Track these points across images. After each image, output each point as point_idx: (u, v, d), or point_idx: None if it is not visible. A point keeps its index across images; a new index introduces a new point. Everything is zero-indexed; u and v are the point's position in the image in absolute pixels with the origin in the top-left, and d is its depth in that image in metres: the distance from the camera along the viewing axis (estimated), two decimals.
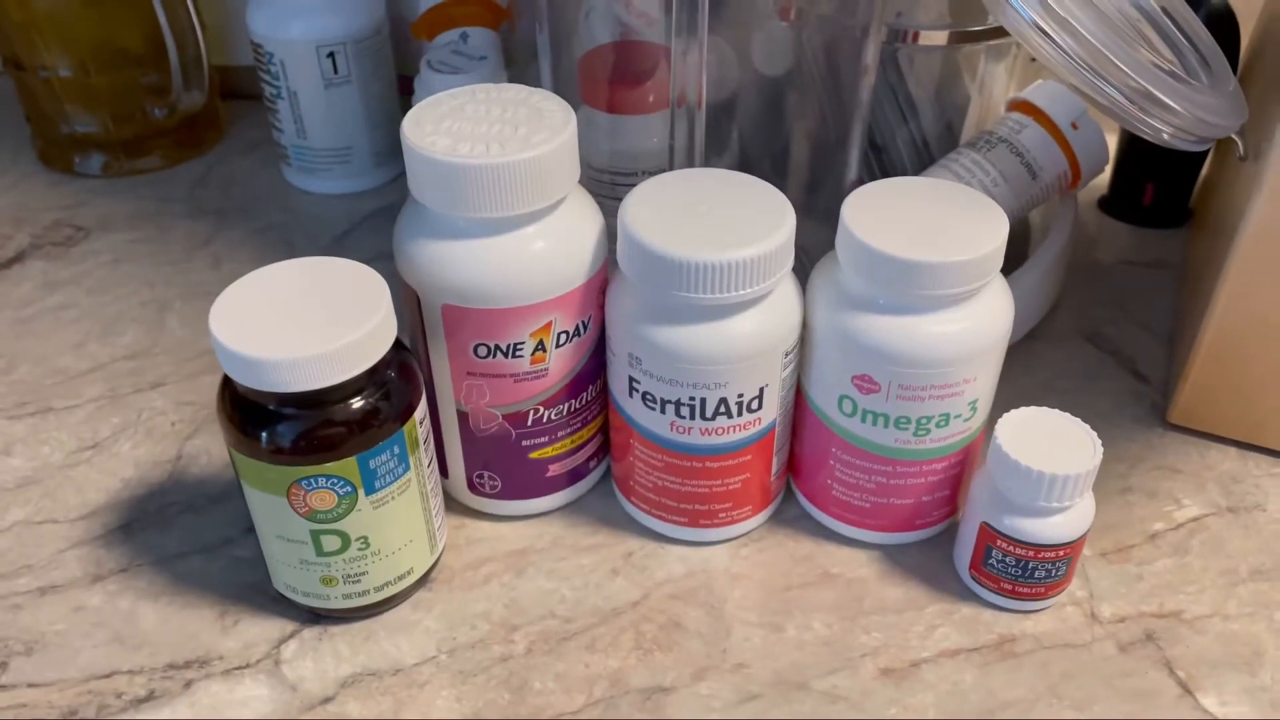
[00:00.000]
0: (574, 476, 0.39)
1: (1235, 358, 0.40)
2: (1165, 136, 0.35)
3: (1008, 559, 0.34)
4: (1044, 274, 0.46)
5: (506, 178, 0.31)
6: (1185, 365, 0.41)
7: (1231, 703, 0.33)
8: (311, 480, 0.31)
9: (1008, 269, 0.45)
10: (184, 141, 0.60)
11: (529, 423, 0.36)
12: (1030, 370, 0.46)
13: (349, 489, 0.32)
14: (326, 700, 0.33)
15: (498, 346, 0.34)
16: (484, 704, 0.33)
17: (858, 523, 0.38)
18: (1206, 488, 0.40)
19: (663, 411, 0.35)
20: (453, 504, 0.39)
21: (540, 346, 0.34)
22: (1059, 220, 0.48)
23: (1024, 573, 0.34)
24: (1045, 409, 0.35)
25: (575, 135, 0.33)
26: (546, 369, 0.35)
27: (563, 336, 0.34)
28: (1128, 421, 0.43)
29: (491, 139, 0.32)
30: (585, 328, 0.35)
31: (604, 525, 0.39)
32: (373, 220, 0.56)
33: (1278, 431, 0.41)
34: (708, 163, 0.40)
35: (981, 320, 0.33)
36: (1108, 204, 0.56)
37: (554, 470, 0.38)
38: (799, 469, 0.39)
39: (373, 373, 0.31)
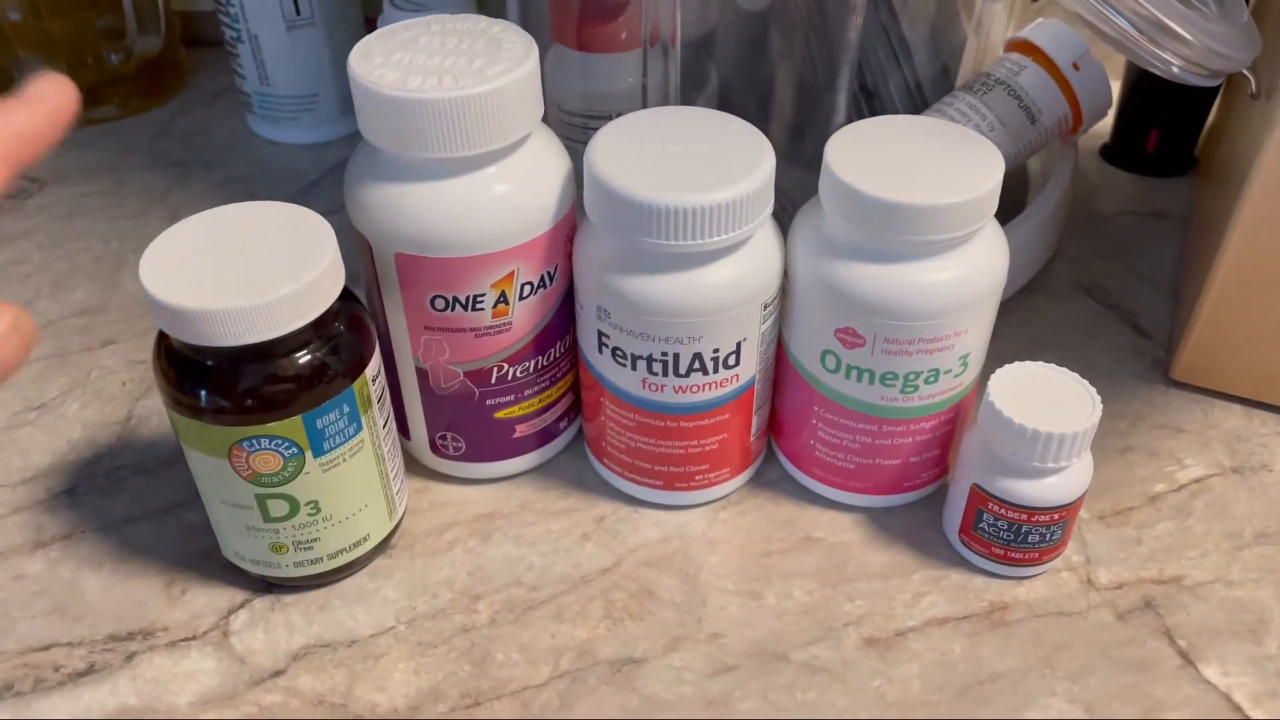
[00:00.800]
0: (543, 437, 0.37)
1: (1242, 311, 0.38)
2: (1175, 69, 0.32)
3: (999, 523, 0.32)
4: (1042, 223, 0.43)
5: (460, 114, 0.29)
6: (1189, 319, 0.39)
7: (1234, 673, 0.31)
8: (254, 441, 0.29)
9: (1004, 218, 0.42)
10: (144, 90, 0.57)
11: (493, 380, 0.34)
12: (1026, 324, 0.43)
13: (295, 451, 0.30)
14: (277, 674, 0.31)
15: (456, 299, 0.32)
16: (443, 677, 0.31)
17: (842, 485, 0.36)
18: (1210, 447, 0.38)
19: (634, 368, 0.32)
20: (415, 466, 0.37)
21: (502, 298, 0.32)
22: (1058, 167, 0.45)
23: (1016, 537, 0.32)
24: (1041, 364, 0.33)
25: (537, 68, 0.30)
26: (510, 323, 0.33)
27: (526, 288, 0.32)
28: (1129, 378, 0.41)
29: (445, 72, 0.29)
30: (551, 278, 0.33)
31: (576, 488, 0.37)
32: (341, 170, 0.53)
33: None
34: (685, 104, 0.38)
35: (974, 268, 0.31)
36: (1110, 152, 0.53)
37: (521, 431, 0.36)
38: (780, 428, 0.37)
39: (318, 325, 0.29)
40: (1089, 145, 0.54)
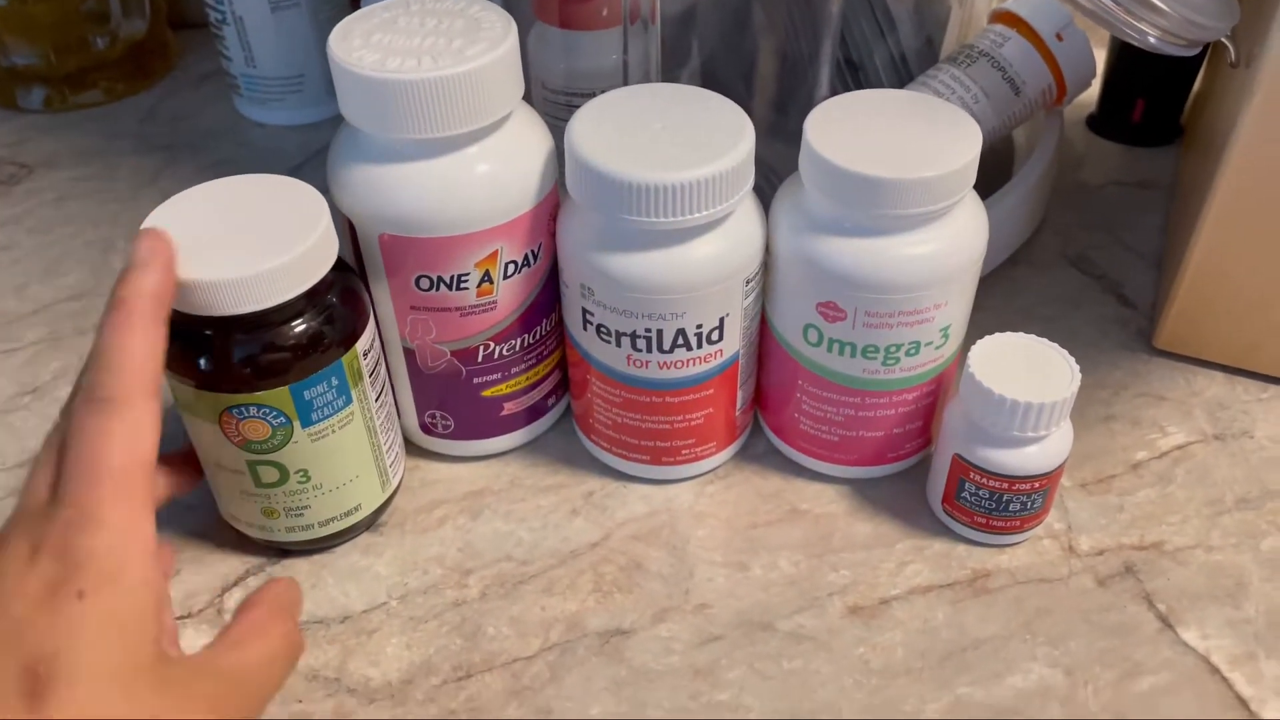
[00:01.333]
0: (532, 415, 0.37)
1: (1224, 278, 0.38)
2: (1152, 40, 0.32)
3: (981, 492, 0.33)
4: (1026, 195, 0.44)
5: (440, 94, 0.29)
6: (1172, 288, 0.39)
7: (1213, 636, 0.32)
8: (243, 409, 0.30)
9: (989, 190, 0.43)
10: (131, 73, 0.57)
11: (479, 359, 0.34)
12: (1011, 296, 0.44)
13: (283, 420, 0.30)
14: None
15: (441, 278, 0.32)
16: (435, 650, 0.32)
17: (827, 457, 0.36)
18: (1193, 414, 0.39)
19: (618, 345, 0.33)
20: (405, 445, 0.37)
21: (487, 277, 0.32)
22: (1043, 139, 0.46)
23: (998, 505, 0.33)
24: (1021, 334, 0.33)
25: (516, 47, 0.30)
26: (495, 302, 0.33)
27: (511, 267, 0.33)
28: (1112, 347, 0.41)
29: (424, 53, 0.29)
30: (535, 257, 0.33)
31: (564, 465, 0.37)
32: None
33: (1268, 355, 0.39)
34: (667, 80, 0.38)
35: (953, 241, 0.31)
36: (1096, 122, 0.54)
37: (509, 409, 0.36)
38: (766, 402, 0.37)
39: (311, 296, 0.29)
40: (1075, 116, 0.54)
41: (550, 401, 0.37)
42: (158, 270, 0.27)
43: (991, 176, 0.45)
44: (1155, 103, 0.51)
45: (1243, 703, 0.30)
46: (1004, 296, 0.43)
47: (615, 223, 0.31)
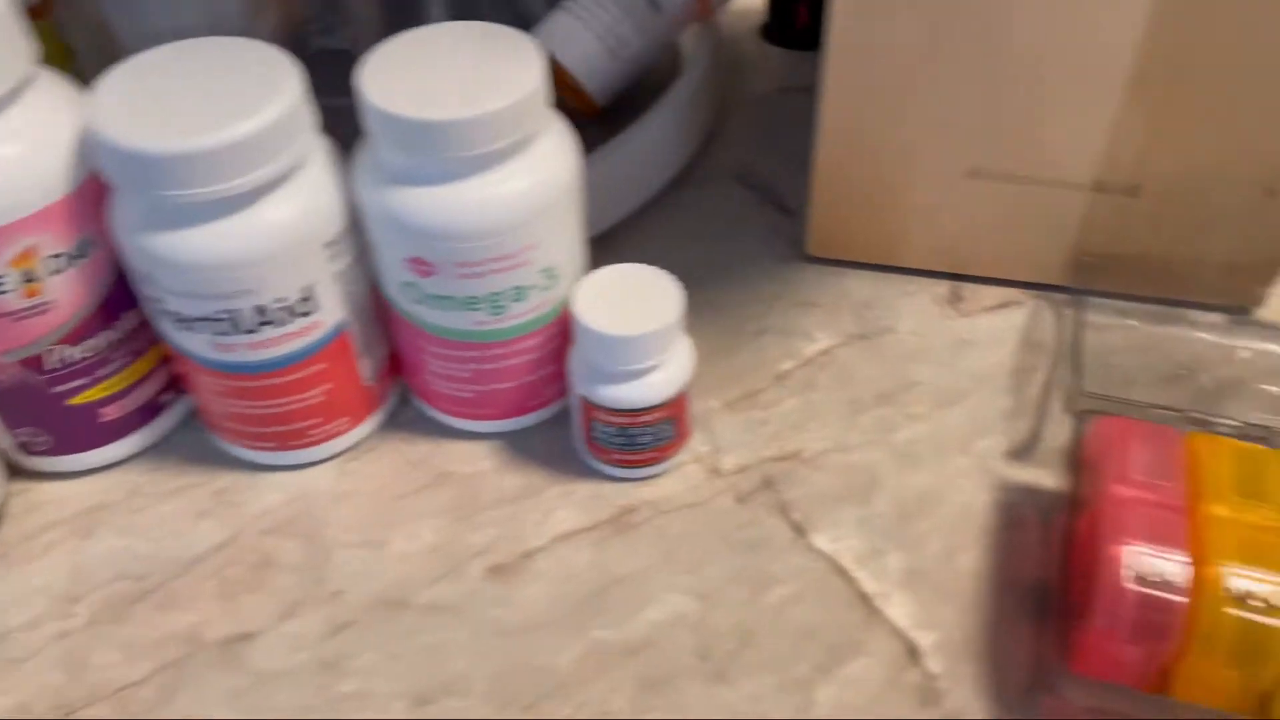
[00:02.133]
0: (145, 415, 0.34)
1: (848, 179, 0.38)
2: None
3: (609, 429, 0.32)
4: (677, 114, 0.43)
5: None
6: (811, 192, 0.39)
7: (843, 538, 0.32)
8: None
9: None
10: None
11: (51, 366, 0.31)
12: (673, 220, 0.43)
13: None
14: None
15: None
16: (32, 693, 0.29)
17: (468, 414, 0.34)
18: (841, 318, 0.39)
19: (199, 331, 0.30)
20: (6, 470, 0.34)
21: (29, 276, 0.29)
22: (693, 54, 0.45)
23: (629, 441, 0.32)
24: (628, 265, 0.32)
25: (10, 9, 0.27)
26: (51, 301, 0.30)
27: (58, 261, 0.29)
28: (770, 260, 0.41)
29: None
30: (91, 247, 0.30)
31: (194, 464, 0.35)
32: None
33: (906, 249, 0.40)
34: (248, 30, 0.35)
35: (533, 176, 0.30)
36: (766, 30, 0.53)
37: (111, 414, 0.33)
38: (402, 367, 0.35)
39: None
40: (749, 25, 0.53)
41: (166, 398, 0.34)
42: None
43: (656, 99, 0.43)
44: (816, 5, 0.51)
45: (865, 599, 0.30)
46: (665, 221, 0.43)
47: (153, 200, 0.28)
